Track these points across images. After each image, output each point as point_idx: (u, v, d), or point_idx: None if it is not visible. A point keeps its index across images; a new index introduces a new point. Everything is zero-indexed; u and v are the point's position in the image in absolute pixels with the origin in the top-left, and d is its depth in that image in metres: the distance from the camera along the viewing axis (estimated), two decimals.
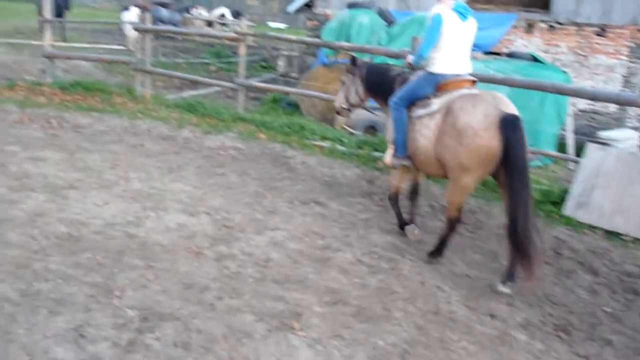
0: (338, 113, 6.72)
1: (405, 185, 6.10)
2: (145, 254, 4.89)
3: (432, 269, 5.29)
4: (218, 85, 12.04)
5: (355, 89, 6.27)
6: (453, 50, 5.30)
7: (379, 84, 6.00)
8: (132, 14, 22.34)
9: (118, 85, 12.50)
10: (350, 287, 4.74)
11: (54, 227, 5.23)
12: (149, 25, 11.58)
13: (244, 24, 11.06)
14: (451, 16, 5.22)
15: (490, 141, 4.73)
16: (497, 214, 6.60)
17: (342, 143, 8.86)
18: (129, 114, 9.72)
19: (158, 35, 19.96)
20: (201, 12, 34.69)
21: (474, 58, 13.09)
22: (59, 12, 19.68)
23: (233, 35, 11.05)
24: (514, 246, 4.74)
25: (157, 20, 25.58)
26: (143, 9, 25.00)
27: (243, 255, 5.09)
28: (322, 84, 13.27)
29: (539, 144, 10.04)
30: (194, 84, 14.71)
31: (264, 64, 21.89)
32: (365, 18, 13.69)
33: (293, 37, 10.98)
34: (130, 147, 8.28)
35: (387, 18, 13.73)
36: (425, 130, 5.24)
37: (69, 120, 9.26)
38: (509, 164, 4.73)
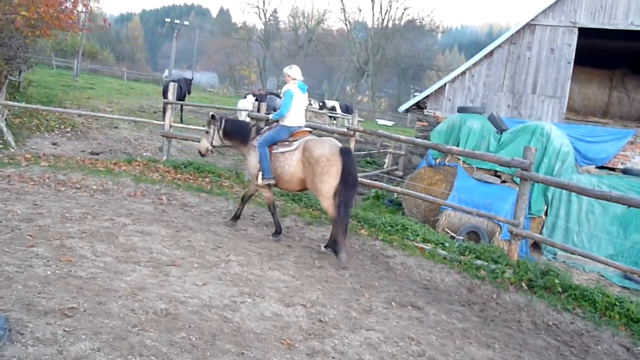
0: (203, 155, 9.09)
1: (273, 196, 8.52)
2: (238, 340, 4.86)
3: None
4: None
5: (218, 136, 8.69)
6: (298, 112, 8.30)
7: (236, 132, 8.66)
8: (247, 102, 23.43)
9: (227, 168, 12.96)
10: None
11: (154, 302, 5.32)
12: (263, 113, 12.02)
13: (355, 120, 11.25)
14: (297, 90, 8.26)
15: (337, 163, 7.60)
16: (606, 339, 6.18)
17: (443, 247, 8.68)
18: (235, 198, 9.99)
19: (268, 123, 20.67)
20: (313, 104, 35.94)
21: (586, 172, 12.83)
22: (182, 95, 20.88)
23: (344, 130, 11.27)
24: (341, 222, 7.52)
25: (271, 109, 26.69)
26: (259, 97, 26.22)
27: (335, 353, 4.96)
28: (426, 184, 13.25)
29: None
30: None
31: (369, 159, 22.15)
32: (475, 123, 13.69)
33: (403, 136, 11.06)
34: (233, 230, 8.45)
35: (497, 124, 13.66)
36: (289, 161, 8.01)
37: (178, 198, 9.62)
38: (345, 175, 7.56)
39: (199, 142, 13.27)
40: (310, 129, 8.53)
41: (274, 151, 8.15)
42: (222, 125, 8.67)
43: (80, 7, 17.29)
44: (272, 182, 8.20)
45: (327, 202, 7.72)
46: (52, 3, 13.50)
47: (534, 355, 5.68)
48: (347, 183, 7.55)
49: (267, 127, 8.52)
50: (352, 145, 10.67)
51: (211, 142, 8.77)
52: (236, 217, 8.69)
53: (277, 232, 8.37)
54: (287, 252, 7.75)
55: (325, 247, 8.09)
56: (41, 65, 37.82)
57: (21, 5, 12.28)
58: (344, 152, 7.67)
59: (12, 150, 11.94)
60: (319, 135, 24.32)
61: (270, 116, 8.61)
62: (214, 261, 6.82)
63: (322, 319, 5.64)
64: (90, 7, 21.73)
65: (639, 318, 6.82)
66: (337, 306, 6.07)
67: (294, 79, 8.29)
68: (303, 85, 8.37)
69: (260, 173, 8.18)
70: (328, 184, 7.60)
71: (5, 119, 12.63)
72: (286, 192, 9.66)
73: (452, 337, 5.85)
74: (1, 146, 12.08)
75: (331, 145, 7.77)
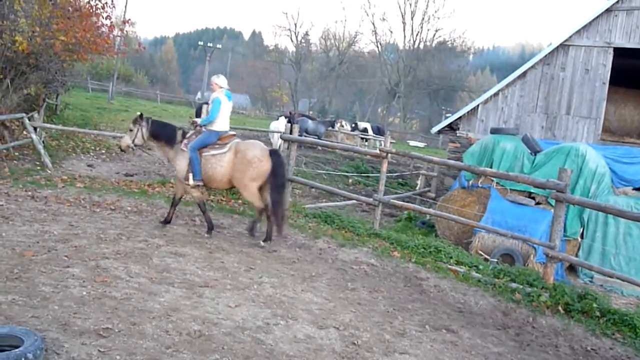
0: (123, 151, 9.37)
1: (203, 196, 9.27)
2: None
3: None
4: (356, 200, 12.16)
5: (141, 135, 8.93)
6: (225, 117, 8.94)
7: (163, 134, 9.01)
8: (280, 123, 23.60)
9: None
10: None
11: (187, 323, 5.34)
12: (296, 136, 12.07)
13: (388, 142, 11.21)
14: (224, 98, 8.92)
15: (267, 164, 8.58)
16: None
17: (477, 270, 8.56)
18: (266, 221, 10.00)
19: (301, 144, 20.76)
20: (344, 125, 36.02)
21: (623, 193, 12.58)
22: None
23: (376, 152, 11.26)
24: (276, 216, 8.62)
25: (303, 130, 26.86)
26: (291, 119, 26.41)
27: None
28: (459, 206, 13.13)
29: None
30: (331, 195, 15.00)
31: (401, 180, 22.07)
32: (509, 144, 13.56)
33: (436, 158, 11.00)
34: (266, 251, 8.46)
35: (531, 145, 13.52)
36: (221, 163, 8.70)
37: (213, 219, 9.67)
38: (275, 174, 8.63)
39: None
40: (235, 133, 9.23)
41: (204, 154, 8.75)
42: (149, 126, 8.98)
43: (116, 32, 17.63)
44: (201, 183, 8.81)
45: (253, 197, 8.75)
46: (89, 28, 13.79)
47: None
48: (278, 180, 8.70)
49: (193, 131, 8.98)
50: (384, 167, 10.64)
51: (133, 140, 8.99)
52: (167, 221, 9.04)
53: (210, 228, 8.89)
54: (320, 274, 7.72)
55: (264, 241, 8.75)
56: (77, 89, 38.59)
57: (60, 30, 12.56)
58: (273, 154, 8.78)
59: (49, 171, 12.16)
60: (351, 158, 24.20)
61: (199, 121, 9.05)
62: (246, 283, 6.83)
63: (356, 342, 5.59)
64: (126, 31, 22.12)
65: None
66: (370, 329, 6.02)
67: (221, 87, 8.97)
68: (229, 93, 9.10)
69: (191, 175, 8.71)
70: (256, 181, 8.62)
71: (43, 141, 12.88)
72: (216, 191, 10.52)
73: None
74: (39, 168, 12.31)
75: (261, 147, 8.81)
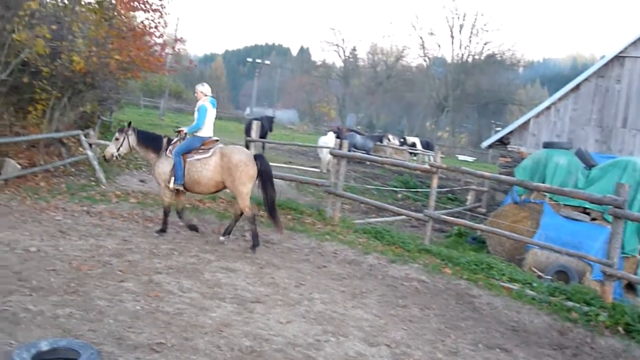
0: (107, 160, 9.73)
1: (175, 201, 9.33)
2: None
3: None
4: (406, 215, 12.05)
5: (127, 143, 9.32)
6: (209, 124, 9.25)
7: (150, 142, 9.40)
8: (329, 138, 23.63)
9: (308, 205, 13.00)
10: None
11: (239, 339, 5.36)
12: (345, 151, 12.05)
13: (438, 157, 11.10)
14: (209, 105, 9.25)
15: (254, 167, 8.93)
16: None
17: (531, 287, 8.36)
18: (317, 235, 10.01)
19: (349, 160, 20.77)
20: (392, 140, 35.87)
21: None
22: (264, 133, 21.26)
23: (427, 167, 11.16)
24: (271, 215, 9.11)
25: (351, 145, 26.84)
26: (339, 134, 26.43)
27: None
28: (511, 222, 12.90)
29: None
30: (380, 210, 14.91)
31: (450, 195, 21.82)
32: (562, 159, 13.28)
33: (487, 173, 10.84)
34: (316, 267, 8.46)
35: (586, 160, 13.21)
36: (207, 167, 8.96)
37: (262, 235, 9.71)
38: (263, 177, 9.02)
39: (281, 179, 13.52)
40: (218, 138, 9.49)
41: (188, 159, 9.03)
42: (137, 136, 9.41)
43: (168, 50, 17.97)
44: (181, 187, 9.04)
45: (246, 203, 8.92)
46: (142, 47, 14.08)
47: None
48: (266, 182, 9.05)
49: (177, 138, 9.30)
50: (434, 182, 10.53)
51: (118, 149, 9.34)
52: (163, 230, 9.18)
53: (162, 230, 9.15)
54: (370, 291, 7.66)
55: (223, 234, 9.23)
56: (130, 105, 39.46)
57: (115, 49, 12.88)
58: (258, 157, 9.25)
59: (103, 187, 12.42)
60: (400, 173, 24.01)
61: (185, 129, 9.28)
62: (297, 299, 6.82)
63: None
64: (178, 49, 22.53)
65: None
66: (422, 347, 5.94)
67: (206, 95, 9.31)
68: (214, 100, 9.45)
69: (173, 179, 8.97)
70: (247, 186, 8.88)
71: (98, 157, 13.18)
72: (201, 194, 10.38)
73: None
74: (93, 183, 12.59)
75: (246, 152, 9.36)
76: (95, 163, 13.09)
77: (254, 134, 13.11)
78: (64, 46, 12.12)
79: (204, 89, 9.37)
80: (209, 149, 9.10)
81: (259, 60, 69.82)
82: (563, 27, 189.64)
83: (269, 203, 9.08)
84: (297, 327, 5.93)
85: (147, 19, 15.06)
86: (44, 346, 4.12)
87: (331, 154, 12.59)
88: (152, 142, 9.43)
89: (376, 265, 8.86)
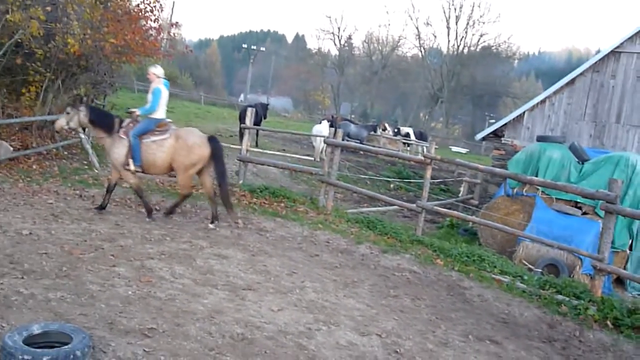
0: (57, 132, 10.12)
1: (138, 182, 9.35)
2: None
3: None
4: (399, 205, 12.08)
5: (77, 119, 9.10)
6: (163, 106, 9.28)
7: (102, 121, 9.20)
8: (323, 127, 23.58)
9: (302, 193, 12.99)
10: None
11: (230, 326, 5.36)
12: (340, 140, 12.04)
13: (432, 148, 11.10)
14: (163, 88, 9.28)
15: (207, 149, 9.09)
16: None
17: (522, 280, 8.41)
18: (310, 224, 10.02)
19: (343, 149, 20.77)
20: (387, 129, 35.84)
21: None
22: (258, 120, 21.20)
23: (421, 158, 11.17)
24: (223, 197, 9.26)
25: (345, 134, 26.78)
26: (333, 122, 26.37)
27: None
28: (503, 214, 12.95)
29: None
30: (373, 200, 14.93)
31: (443, 187, 21.87)
32: (555, 152, 13.33)
33: (481, 165, 10.86)
34: (308, 256, 8.46)
35: (579, 154, 13.27)
36: (162, 148, 9.00)
37: (254, 222, 9.73)
38: (215, 158, 9.15)
39: (274, 167, 13.49)
40: (171, 120, 9.52)
41: (144, 140, 9.02)
42: (87, 112, 9.17)
43: (164, 34, 17.84)
44: (140, 169, 9.09)
45: (188, 181, 9.28)
46: (138, 31, 13.95)
47: None
48: (218, 163, 9.22)
49: (130, 120, 9.19)
50: (428, 173, 10.54)
51: (68, 123, 9.22)
52: (102, 207, 9.08)
53: (149, 211, 9.18)
54: (362, 280, 7.68)
55: (212, 222, 9.32)
56: (124, 89, 39.20)
57: (110, 33, 12.75)
58: (211, 139, 9.32)
59: (96, 171, 12.38)
60: (393, 163, 24.04)
61: (138, 111, 9.20)
62: (289, 287, 6.83)
63: (398, 350, 5.55)
64: (173, 34, 22.34)
65: None
66: (413, 337, 5.96)
67: (159, 77, 9.31)
68: (167, 82, 9.57)
69: (132, 160, 8.98)
70: (195, 167, 9.12)
71: (91, 141, 13.12)
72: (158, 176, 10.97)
73: None
74: (86, 167, 12.55)
75: (200, 134, 9.36)
76: (88, 147, 13.03)
77: (249, 121, 13.07)
78: (59, 28, 11.99)
79: (157, 70, 9.35)
80: (165, 130, 9.15)
81: (254, 47, 69.60)
82: (559, 20, 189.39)
83: (222, 187, 9.23)
84: (289, 315, 5.94)
85: (143, 2, 14.93)
86: (36, 329, 4.11)
87: (326, 142, 12.57)
88: (103, 121, 9.27)
89: (368, 255, 8.89)
